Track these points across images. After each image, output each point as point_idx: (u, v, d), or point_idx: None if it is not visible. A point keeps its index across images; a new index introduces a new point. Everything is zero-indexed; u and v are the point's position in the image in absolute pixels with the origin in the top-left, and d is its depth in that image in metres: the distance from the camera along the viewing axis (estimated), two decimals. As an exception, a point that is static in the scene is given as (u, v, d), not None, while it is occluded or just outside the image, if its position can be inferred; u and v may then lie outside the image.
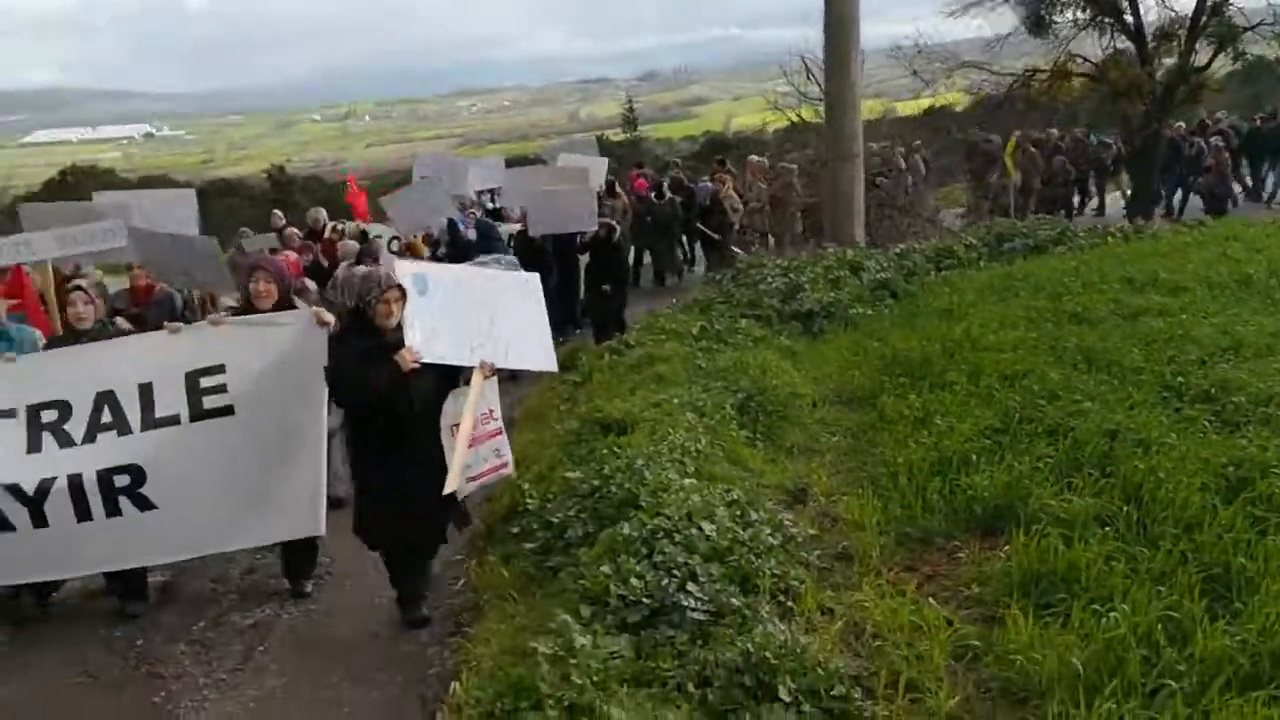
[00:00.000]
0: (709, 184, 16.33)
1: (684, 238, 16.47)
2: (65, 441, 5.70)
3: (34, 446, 5.74)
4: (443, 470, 5.24)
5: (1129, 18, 18.06)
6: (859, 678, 3.94)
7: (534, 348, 5.91)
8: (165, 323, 6.40)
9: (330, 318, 5.83)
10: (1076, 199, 19.50)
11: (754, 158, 17.55)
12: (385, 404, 5.37)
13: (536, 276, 6.33)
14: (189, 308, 8.79)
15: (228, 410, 5.85)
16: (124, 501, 5.64)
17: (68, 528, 5.61)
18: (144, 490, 5.66)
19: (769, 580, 4.52)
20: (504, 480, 5.97)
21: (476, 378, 5.46)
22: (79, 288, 6.21)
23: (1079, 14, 18.16)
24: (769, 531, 5.02)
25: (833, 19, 13.77)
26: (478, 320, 5.63)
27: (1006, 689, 3.97)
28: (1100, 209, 19.54)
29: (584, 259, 11.82)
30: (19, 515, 5.59)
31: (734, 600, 4.24)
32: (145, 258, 8.68)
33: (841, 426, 7.35)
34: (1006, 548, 4.86)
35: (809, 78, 16.72)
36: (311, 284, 8.47)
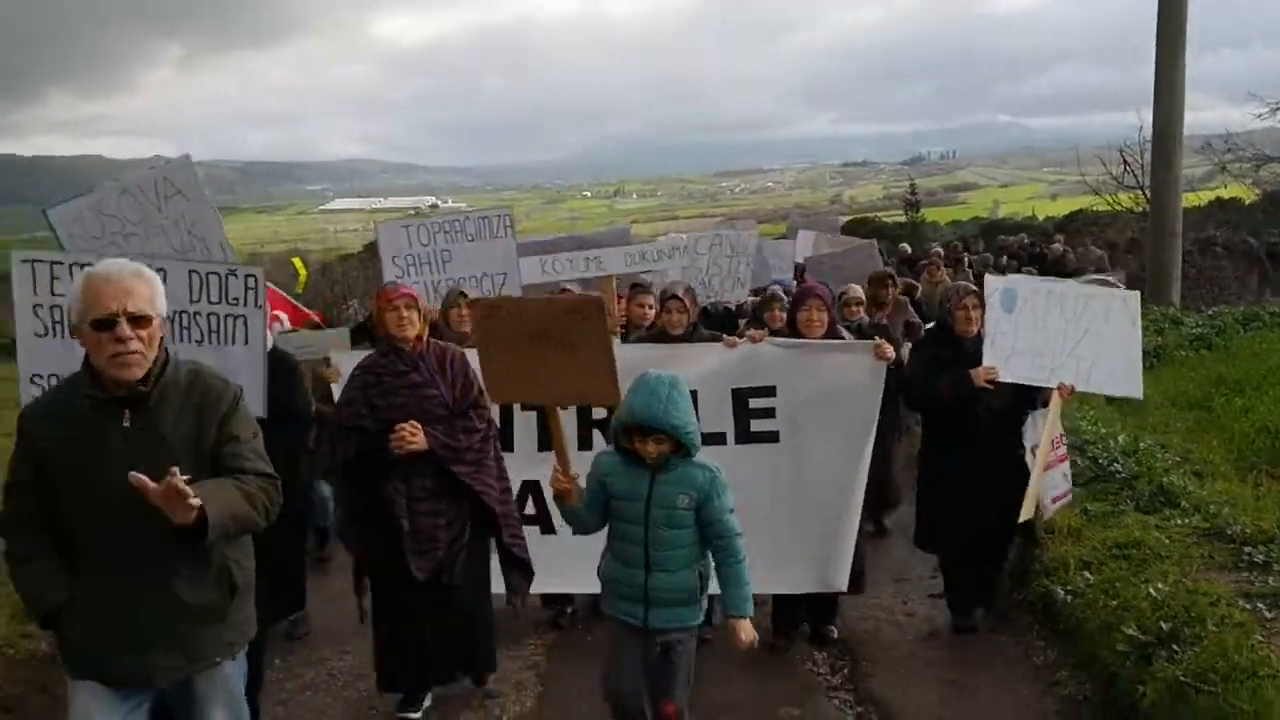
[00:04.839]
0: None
1: None
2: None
3: (545, 445, 5.52)
4: (1014, 483, 5.38)
5: None
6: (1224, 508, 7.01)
7: (1119, 372, 5.63)
8: (724, 336, 6.09)
9: (891, 352, 5.56)
10: None
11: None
12: (953, 411, 5.51)
13: (1136, 295, 5.92)
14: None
15: (773, 437, 5.58)
16: None
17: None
18: None
19: (1165, 465, 7.67)
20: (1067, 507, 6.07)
21: (1055, 400, 5.48)
22: (675, 296, 6.07)
23: (1381, 115, 19.89)
24: (1158, 449, 8.18)
25: (1161, 116, 16.25)
26: (1063, 340, 5.50)
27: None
28: None
29: None
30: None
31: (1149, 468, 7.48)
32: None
33: (1182, 416, 10.27)
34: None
35: (1125, 169, 19.49)
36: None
